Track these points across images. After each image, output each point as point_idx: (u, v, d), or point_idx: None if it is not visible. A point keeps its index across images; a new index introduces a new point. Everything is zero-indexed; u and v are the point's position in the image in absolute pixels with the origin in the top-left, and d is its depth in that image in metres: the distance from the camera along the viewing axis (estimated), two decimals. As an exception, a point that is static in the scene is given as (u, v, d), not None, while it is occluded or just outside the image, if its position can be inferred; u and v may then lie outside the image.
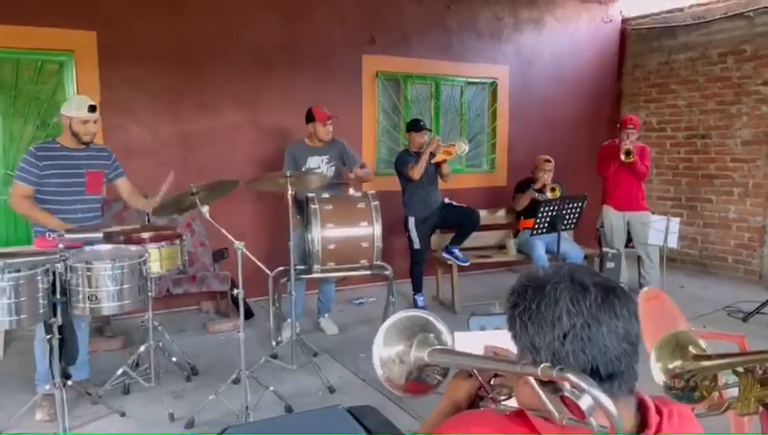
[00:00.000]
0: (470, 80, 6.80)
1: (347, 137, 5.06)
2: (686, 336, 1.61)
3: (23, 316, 2.83)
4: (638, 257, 5.89)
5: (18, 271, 2.79)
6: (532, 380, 0.99)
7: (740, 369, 1.55)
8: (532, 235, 5.25)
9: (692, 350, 1.58)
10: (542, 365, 0.97)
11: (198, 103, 5.39)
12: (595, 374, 0.97)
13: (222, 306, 5.26)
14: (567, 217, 5.15)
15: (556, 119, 7.18)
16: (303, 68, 5.76)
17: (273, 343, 4.37)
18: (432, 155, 5.15)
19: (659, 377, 1.56)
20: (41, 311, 2.89)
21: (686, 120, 7.19)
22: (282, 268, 4.34)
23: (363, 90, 6.16)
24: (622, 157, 5.54)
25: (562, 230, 5.18)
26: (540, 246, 5.46)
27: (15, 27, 4.64)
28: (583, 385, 0.90)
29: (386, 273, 4.56)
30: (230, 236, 3.25)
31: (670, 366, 1.56)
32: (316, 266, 4.31)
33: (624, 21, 7.69)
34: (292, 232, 4.05)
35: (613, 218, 5.85)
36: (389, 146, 6.47)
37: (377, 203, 4.37)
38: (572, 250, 5.55)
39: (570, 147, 7.04)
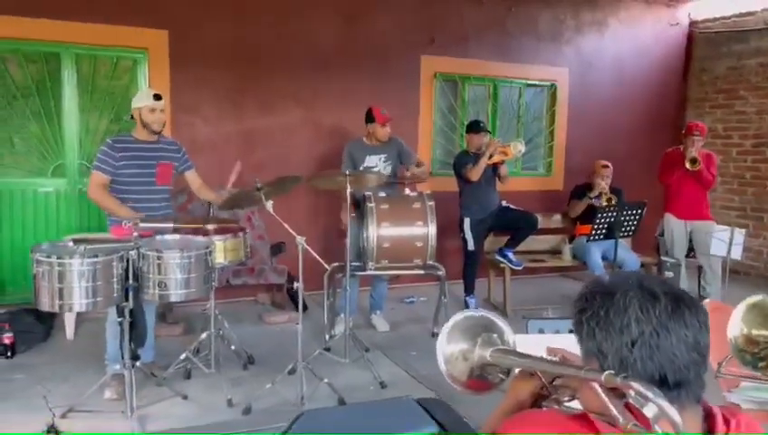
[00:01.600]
0: (529, 82, 6.74)
1: (404, 137, 5.13)
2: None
3: (98, 299, 3.02)
4: (699, 268, 5.72)
5: (96, 256, 2.97)
6: (596, 385, 1.02)
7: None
8: (588, 241, 5.18)
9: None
10: (606, 373, 0.99)
11: (259, 102, 5.55)
12: (663, 382, 0.98)
13: (277, 298, 5.41)
14: (625, 224, 5.06)
15: (616, 123, 7.04)
16: (361, 69, 5.84)
17: (327, 337, 4.47)
18: (490, 156, 5.15)
19: (735, 332, 1.54)
20: (114, 295, 3.07)
21: (754, 127, 6.93)
22: (337, 264, 4.43)
23: (421, 90, 6.20)
24: (687, 165, 5.39)
25: (620, 237, 5.09)
26: (596, 253, 5.38)
27: (94, 25, 4.89)
28: (649, 394, 0.91)
29: (439, 273, 4.60)
30: (292, 231, 3.35)
31: (755, 332, 1.54)
32: (370, 264, 4.39)
33: (692, 24, 7.46)
34: (349, 229, 4.13)
35: (675, 227, 5.70)
36: (445, 147, 6.49)
37: (432, 203, 4.42)
38: (629, 258, 5.44)
39: (629, 152, 6.90)
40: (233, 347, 4.11)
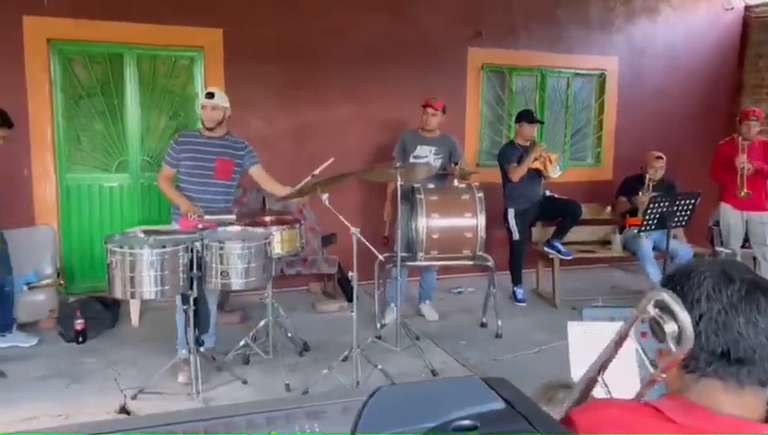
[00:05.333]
0: (578, 71, 6.68)
1: (450, 129, 5.19)
2: None
3: (166, 287, 3.20)
4: (754, 259, 5.59)
5: (164, 247, 3.14)
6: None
7: None
8: (639, 231, 5.14)
9: None
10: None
11: (311, 98, 5.68)
12: (723, 356, 1.03)
13: (329, 288, 5.56)
14: (678, 214, 5.00)
15: (668, 111, 6.91)
16: (410, 62, 5.90)
17: (378, 326, 4.59)
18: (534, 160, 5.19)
19: None
20: (180, 284, 3.25)
21: (814, 114, 6.69)
22: (387, 254, 4.53)
23: (468, 82, 6.23)
24: (740, 194, 5.28)
25: (673, 227, 5.03)
26: (647, 244, 5.33)
27: (154, 26, 5.11)
28: (663, 295, 1.02)
29: (488, 264, 4.65)
30: (347, 223, 3.47)
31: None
32: (420, 254, 4.47)
33: (747, 9, 7.23)
34: (399, 220, 4.23)
35: (731, 217, 5.57)
36: (492, 138, 6.50)
37: (481, 195, 4.47)
38: (681, 248, 5.37)
39: (682, 140, 6.76)
40: (289, 334, 4.26)
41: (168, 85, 5.43)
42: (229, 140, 3.99)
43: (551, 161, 5.19)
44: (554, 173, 5.20)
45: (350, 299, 5.06)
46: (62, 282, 4.74)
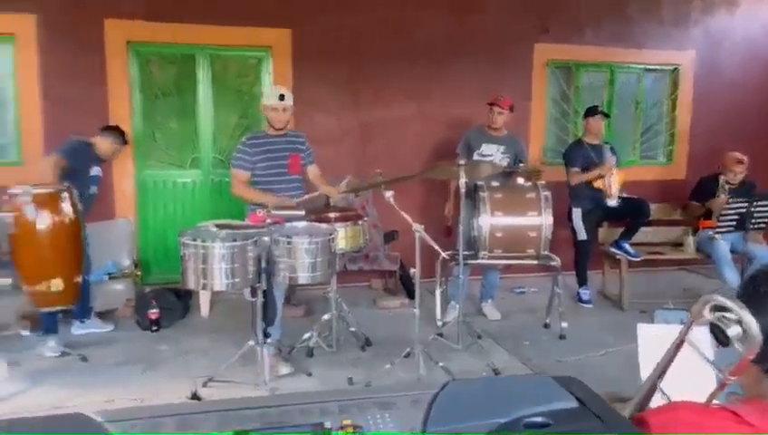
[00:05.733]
0: (649, 67, 6.46)
1: (515, 126, 5.14)
2: None
3: (236, 280, 3.31)
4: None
5: (234, 241, 3.26)
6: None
7: None
8: (716, 233, 4.93)
9: None
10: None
11: (374, 96, 5.74)
12: None
13: (390, 284, 5.61)
14: (757, 216, 4.76)
15: (748, 106, 6.58)
16: (473, 60, 5.87)
17: (440, 323, 4.59)
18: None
19: None
20: (249, 276, 3.35)
21: None
22: (450, 252, 4.52)
23: (533, 79, 6.13)
24: None
25: (752, 230, 4.80)
26: (724, 246, 5.10)
27: (225, 27, 5.28)
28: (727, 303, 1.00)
29: (553, 263, 4.57)
30: (410, 220, 3.49)
31: None
32: (483, 253, 4.44)
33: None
34: (462, 218, 4.22)
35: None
36: (558, 135, 6.38)
37: (547, 193, 4.40)
38: (759, 250, 5.11)
39: (761, 136, 6.44)
40: (351, 329, 4.33)
41: (237, 85, 5.62)
42: (290, 135, 4.09)
43: (612, 187, 5.07)
44: (611, 201, 5.08)
45: (410, 296, 5.10)
46: (138, 273, 4.98)
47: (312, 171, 4.22)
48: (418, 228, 3.47)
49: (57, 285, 3.51)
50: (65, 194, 3.54)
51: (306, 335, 4.13)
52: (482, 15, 5.88)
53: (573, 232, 5.33)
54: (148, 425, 1.01)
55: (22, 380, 3.67)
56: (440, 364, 3.70)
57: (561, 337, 4.54)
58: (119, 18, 5.10)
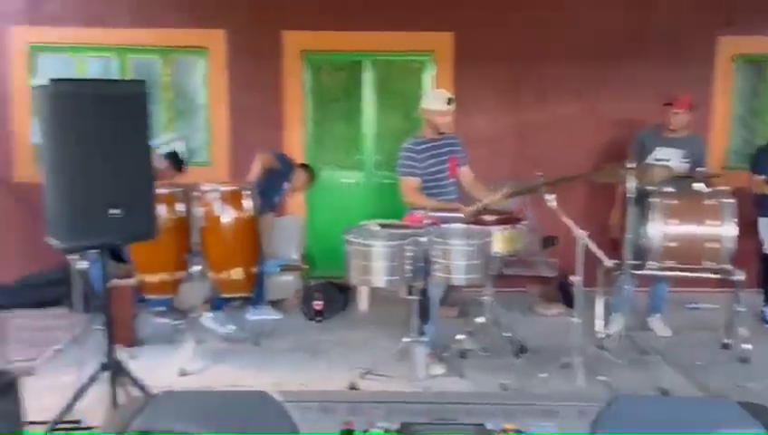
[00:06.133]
0: None
1: (694, 127, 4.70)
2: None
3: (394, 278, 3.43)
4: None
5: (394, 240, 3.38)
6: None
7: None
8: None
9: None
10: None
11: (536, 96, 5.60)
12: None
13: (548, 291, 5.43)
14: None
15: None
16: (646, 55, 5.48)
17: (601, 335, 4.35)
18: None
19: None
20: (407, 275, 3.45)
21: None
22: (615, 261, 4.28)
23: (716, 75, 5.59)
24: None
25: None
26: None
27: (389, 33, 5.48)
28: None
29: (735, 278, 4.13)
30: (573, 226, 3.36)
31: None
32: (653, 263, 4.13)
33: None
34: (629, 225, 3.97)
35: None
36: (744, 137, 5.75)
37: (731, 201, 3.98)
38: None
39: None
40: (506, 334, 4.27)
41: (400, 88, 5.81)
42: (447, 137, 4.10)
43: None
44: None
45: (569, 304, 4.89)
46: (305, 266, 5.34)
47: (466, 173, 4.22)
48: (582, 235, 3.33)
49: (237, 273, 3.90)
50: (247, 192, 3.91)
51: (460, 337, 4.15)
52: (656, 8, 5.48)
53: (759, 244, 4.78)
54: (321, 408, 1.10)
55: (205, 358, 4.11)
56: (601, 378, 3.52)
57: (743, 360, 4.08)
58: (295, 30, 5.51)
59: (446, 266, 3.44)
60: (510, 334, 4.27)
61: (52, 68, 5.58)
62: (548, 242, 5.34)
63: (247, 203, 3.89)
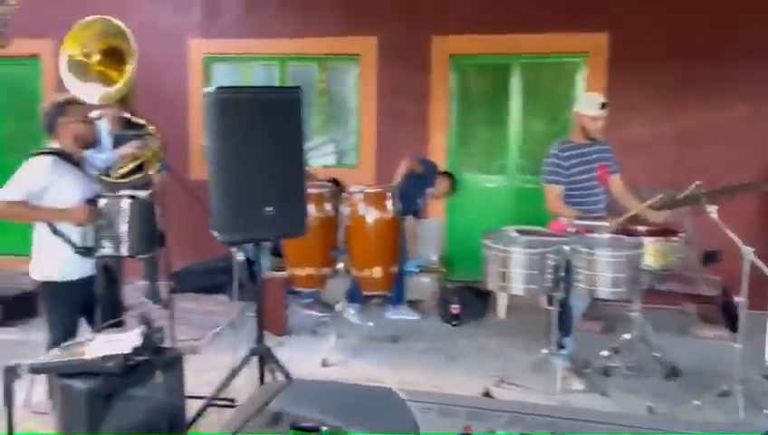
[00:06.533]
0: None
1: None
2: None
3: (533, 286, 3.34)
4: None
5: (534, 247, 3.29)
6: None
7: None
8: None
9: None
10: None
11: (701, 97, 5.17)
12: None
13: (707, 311, 4.97)
14: None
15: None
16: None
17: (769, 363, 3.91)
18: None
19: None
20: (547, 284, 3.35)
21: None
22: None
23: None
24: None
25: None
26: None
27: (539, 35, 5.35)
28: None
29: None
30: (739, 241, 3.06)
31: None
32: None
33: None
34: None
35: None
36: None
37: None
38: None
39: None
40: (655, 354, 3.98)
41: (549, 92, 5.64)
42: (597, 143, 3.89)
43: None
44: None
45: (731, 327, 4.42)
46: (443, 269, 5.38)
47: (616, 182, 3.98)
48: (748, 251, 3.01)
49: (377, 272, 4.03)
50: (390, 194, 4.03)
51: (604, 353, 3.93)
52: None
53: None
54: (441, 410, 1.11)
55: (344, 352, 4.30)
56: (767, 412, 3.16)
57: None
58: (444, 34, 5.57)
59: (590, 278, 3.29)
60: (660, 355, 3.98)
61: (223, 76, 6.16)
62: (710, 258, 4.87)
63: (390, 205, 4.01)
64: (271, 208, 2.91)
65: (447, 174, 5.18)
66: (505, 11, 5.41)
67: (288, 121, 2.95)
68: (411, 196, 4.80)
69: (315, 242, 4.07)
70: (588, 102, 3.88)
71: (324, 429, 1.04)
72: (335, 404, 1.10)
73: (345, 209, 4.08)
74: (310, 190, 4.04)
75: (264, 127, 2.87)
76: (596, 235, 3.48)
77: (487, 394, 3.63)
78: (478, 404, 1.12)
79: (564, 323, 3.50)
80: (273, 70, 6.12)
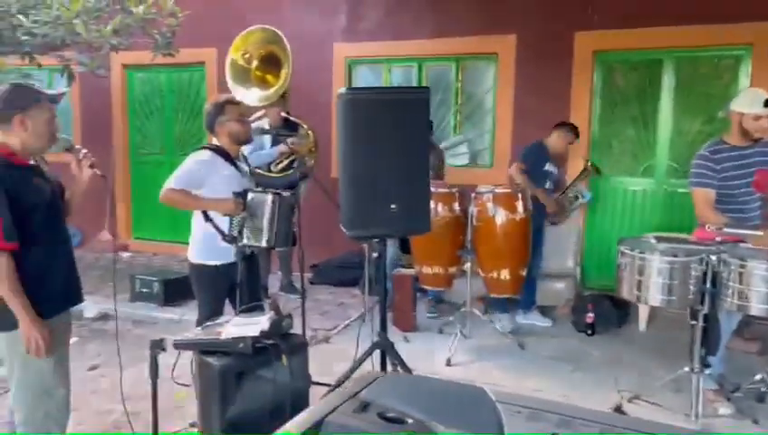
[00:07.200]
0: None
1: None
2: None
3: (672, 298, 3.10)
4: None
5: (675, 256, 3.04)
6: None
7: None
8: None
9: None
10: None
11: None
12: None
13: None
14: None
15: None
16: None
17: None
18: None
19: None
20: (690, 296, 3.09)
21: None
22: None
23: None
24: None
25: None
26: None
27: (694, 27, 4.91)
28: None
29: None
30: None
31: None
32: None
33: None
34: None
35: None
36: None
37: None
38: None
39: None
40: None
41: (706, 88, 5.16)
42: (760, 145, 3.44)
43: None
44: None
45: None
46: (579, 275, 5.13)
47: None
48: None
49: (505, 274, 3.97)
50: (520, 194, 3.95)
51: (758, 377, 3.53)
52: None
53: None
54: (530, 415, 1.08)
55: (467, 352, 4.26)
56: None
57: None
58: (589, 30, 5.31)
59: (741, 292, 2.97)
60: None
61: (364, 77, 6.38)
62: None
63: (520, 205, 3.92)
64: (395, 206, 2.98)
65: (560, 124, 4.78)
66: (656, 2, 5.04)
67: (415, 121, 3.00)
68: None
69: (442, 241, 4.11)
70: (749, 99, 3.48)
71: (409, 421, 1.06)
72: (423, 399, 1.12)
73: (473, 209, 4.05)
74: (438, 190, 4.09)
75: (391, 126, 2.94)
76: (749, 245, 3.14)
77: (618, 409, 3.43)
78: (571, 412, 1.08)
79: (710, 341, 3.20)
80: (411, 71, 6.22)
